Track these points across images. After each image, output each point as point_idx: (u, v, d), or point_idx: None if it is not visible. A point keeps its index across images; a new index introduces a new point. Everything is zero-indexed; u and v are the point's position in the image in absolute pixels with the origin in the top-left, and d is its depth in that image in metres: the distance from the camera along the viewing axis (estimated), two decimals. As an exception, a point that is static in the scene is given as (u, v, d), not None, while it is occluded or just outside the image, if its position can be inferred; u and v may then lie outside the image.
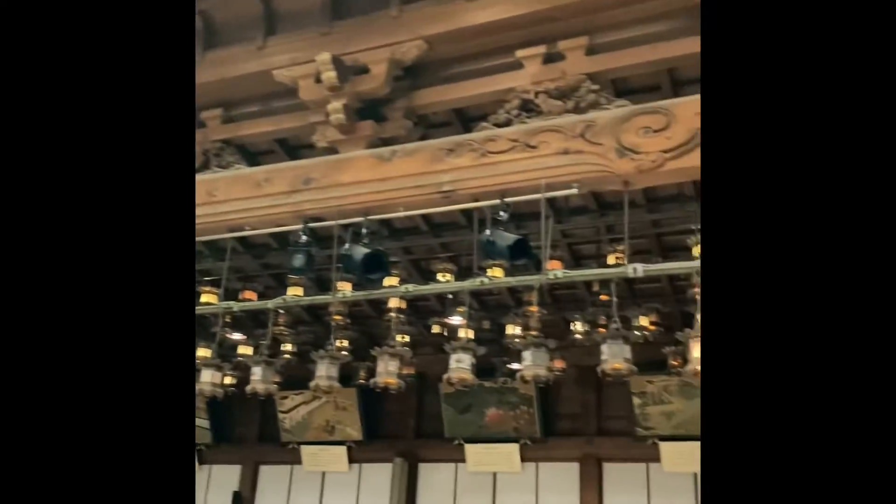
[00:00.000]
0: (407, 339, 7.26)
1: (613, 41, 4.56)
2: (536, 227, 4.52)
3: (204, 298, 6.23)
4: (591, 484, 8.24)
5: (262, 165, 5.34)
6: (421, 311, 7.99)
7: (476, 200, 4.53)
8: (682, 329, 4.72)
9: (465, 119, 5.29)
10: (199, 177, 5.11)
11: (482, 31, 4.74)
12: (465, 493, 8.84)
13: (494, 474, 8.76)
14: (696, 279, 4.82)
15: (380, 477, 9.09)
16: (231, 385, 6.78)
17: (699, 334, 4.44)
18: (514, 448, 8.60)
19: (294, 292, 6.21)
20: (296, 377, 7.68)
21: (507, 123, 4.54)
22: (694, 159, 3.96)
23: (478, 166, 4.45)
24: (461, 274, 6.38)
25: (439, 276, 6.55)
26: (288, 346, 8.03)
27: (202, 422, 9.74)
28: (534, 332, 5.79)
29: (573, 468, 8.40)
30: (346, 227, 4.89)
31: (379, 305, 7.55)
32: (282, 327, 7.61)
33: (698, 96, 4.00)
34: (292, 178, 4.94)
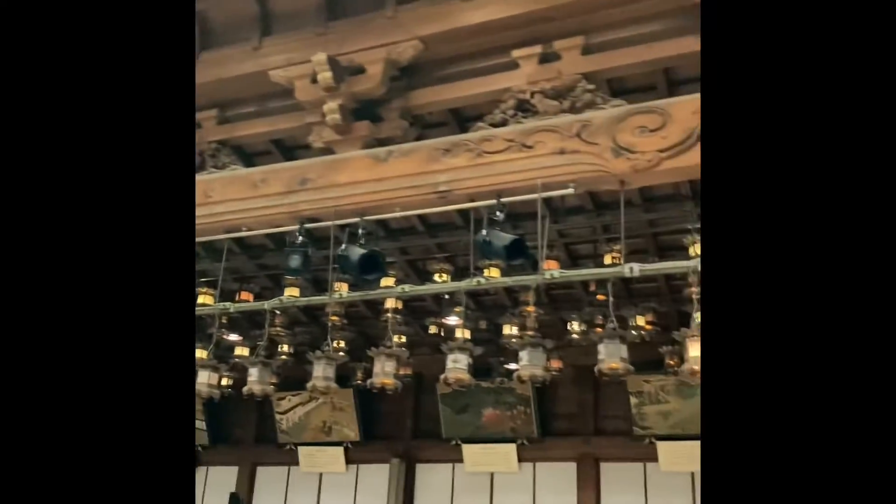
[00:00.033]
0: (404, 339, 7.26)
1: (609, 41, 4.57)
2: (533, 227, 4.51)
3: (200, 299, 6.25)
4: (589, 484, 8.24)
5: (258, 166, 5.34)
6: (417, 311, 7.98)
7: (472, 200, 4.53)
8: (678, 329, 4.72)
9: (461, 119, 5.29)
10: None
11: (478, 31, 4.74)
12: (463, 494, 8.83)
13: (492, 474, 8.75)
14: (693, 279, 4.82)
15: (377, 477, 9.08)
16: (228, 386, 6.78)
17: (696, 334, 4.45)
18: (511, 448, 8.60)
19: (290, 293, 6.23)
20: (293, 378, 7.69)
21: (503, 123, 4.55)
22: (690, 158, 3.96)
23: (474, 166, 4.45)
24: (458, 274, 6.38)
25: (436, 277, 6.57)
26: (284, 347, 8.04)
27: (199, 423, 9.73)
28: (530, 332, 5.79)
29: (570, 468, 8.40)
30: (342, 227, 4.89)
31: (375, 306, 7.56)
32: (278, 328, 7.62)
33: (694, 96, 4.02)
34: (288, 179, 4.94)
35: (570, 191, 4.37)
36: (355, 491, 9.30)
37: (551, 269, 5.02)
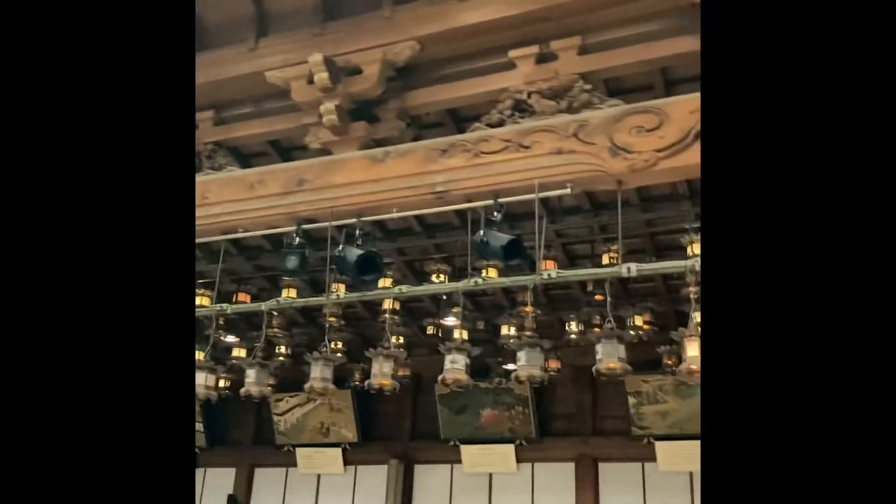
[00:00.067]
0: (401, 340, 7.27)
1: (606, 41, 4.56)
2: (530, 228, 4.52)
3: (197, 301, 6.23)
4: (587, 484, 8.24)
5: (254, 167, 5.33)
6: (415, 312, 7.98)
7: (469, 201, 4.52)
8: (676, 328, 4.72)
9: (458, 119, 5.29)
10: (191, 179, 5.09)
11: (475, 32, 4.73)
12: (461, 495, 8.83)
13: (490, 475, 8.75)
14: (691, 278, 4.82)
15: (375, 479, 9.07)
16: (225, 388, 6.77)
17: (694, 333, 4.45)
18: (509, 449, 8.60)
19: (288, 294, 6.21)
20: (290, 379, 7.69)
21: (500, 124, 4.54)
22: (687, 158, 3.96)
23: (471, 167, 4.45)
24: (455, 275, 6.38)
25: (433, 277, 6.56)
26: (282, 349, 8.03)
27: (196, 425, 9.72)
28: (528, 333, 5.78)
29: (569, 468, 8.40)
30: (339, 228, 4.89)
31: (373, 307, 7.55)
32: (276, 329, 7.60)
33: (691, 95, 4.02)
34: (285, 180, 4.93)
35: (568, 191, 4.37)
36: (353, 492, 9.29)
37: (549, 270, 5.03)
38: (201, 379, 5.68)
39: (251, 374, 5.65)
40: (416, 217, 6.26)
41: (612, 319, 4.61)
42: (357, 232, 4.75)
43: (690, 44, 4.14)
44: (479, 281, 4.97)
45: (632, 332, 6.23)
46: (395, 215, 4.95)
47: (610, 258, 6.08)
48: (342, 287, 6.00)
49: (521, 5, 4.57)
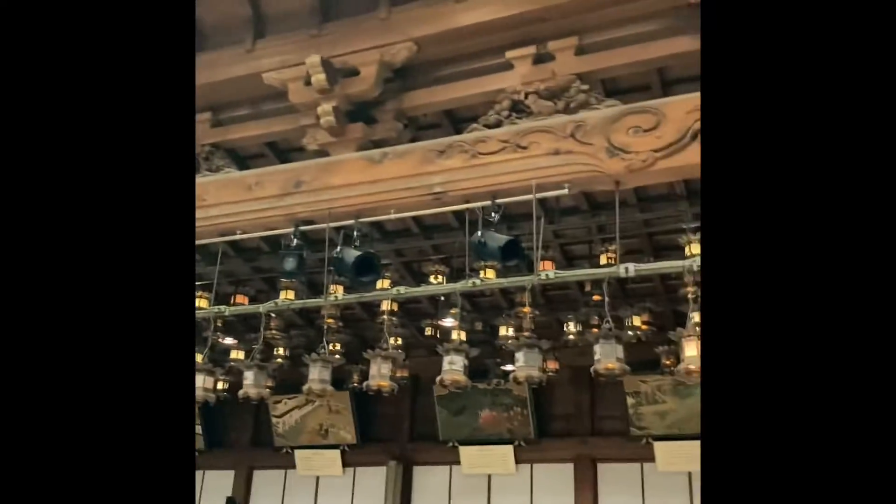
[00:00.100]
0: (400, 341, 7.27)
1: (603, 41, 4.56)
2: (528, 228, 4.51)
3: (195, 303, 6.21)
4: (586, 484, 8.24)
5: (252, 169, 5.33)
6: (413, 313, 7.98)
7: (467, 202, 4.52)
8: (674, 328, 4.72)
9: (455, 120, 5.29)
10: (188, 181, 5.09)
11: (472, 33, 4.73)
12: (460, 496, 8.83)
13: (489, 476, 8.75)
14: (689, 278, 4.82)
15: (374, 480, 9.07)
16: (223, 390, 6.77)
17: (692, 333, 4.45)
18: (508, 449, 8.60)
19: (286, 296, 6.21)
20: (288, 381, 7.68)
21: (498, 124, 4.54)
22: (684, 158, 3.96)
23: (468, 167, 4.45)
24: (453, 275, 6.37)
25: (431, 278, 6.56)
26: (280, 350, 8.02)
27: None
28: (526, 333, 5.78)
29: (568, 469, 8.40)
30: (337, 229, 4.88)
31: (371, 308, 7.54)
32: (274, 331, 7.60)
33: (688, 95, 4.02)
34: (283, 182, 4.93)
35: (565, 191, 4.37)
36: (352, 494, 9.29)
37: (547, 270, 5.02)
38: (199, 381, 5.66)
39: (249, 376, 5.64)
40: (414, 218, 6.26)
41: (610, 320, 4.61)
42: (355, 233, 4.74)
43: (687, 44, 4.15)
44: (477, 282, 4.97)
45: (630, 333, 6.23)
46: (392, 216, 4.94)
47: (608, 258, 6.08)
48: (340, 288, 6.00)
49: (517, 6, 4.57)
